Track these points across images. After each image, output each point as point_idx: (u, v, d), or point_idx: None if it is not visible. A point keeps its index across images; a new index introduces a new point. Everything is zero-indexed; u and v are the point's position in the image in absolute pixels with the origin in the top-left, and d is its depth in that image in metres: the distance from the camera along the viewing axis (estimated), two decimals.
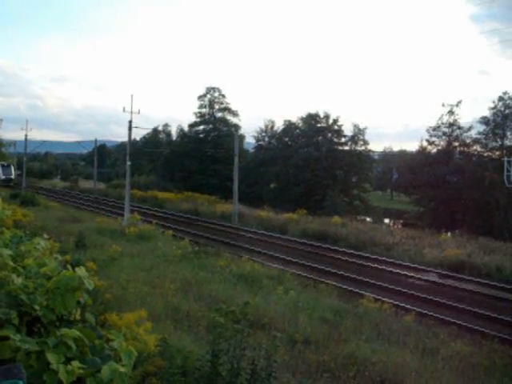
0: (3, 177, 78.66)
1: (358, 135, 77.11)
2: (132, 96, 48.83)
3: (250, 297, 16.31)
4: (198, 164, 76.39)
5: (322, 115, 77.56)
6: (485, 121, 63.22)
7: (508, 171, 15.13)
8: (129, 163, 41.71)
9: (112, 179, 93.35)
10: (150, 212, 49.26)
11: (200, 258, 26.59)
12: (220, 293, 17.60)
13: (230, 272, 23.00)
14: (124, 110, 40.73)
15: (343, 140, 78.23)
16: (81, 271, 3.87)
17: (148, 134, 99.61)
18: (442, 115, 64.97)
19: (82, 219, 40.49)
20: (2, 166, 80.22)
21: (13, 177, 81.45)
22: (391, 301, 20.08)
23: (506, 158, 15.74)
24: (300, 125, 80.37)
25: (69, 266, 4.38)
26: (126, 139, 44.18)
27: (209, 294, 17.45)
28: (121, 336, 2.95)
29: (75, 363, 3.09)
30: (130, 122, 40.97)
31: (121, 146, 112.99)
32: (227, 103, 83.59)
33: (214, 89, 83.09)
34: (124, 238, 31.14)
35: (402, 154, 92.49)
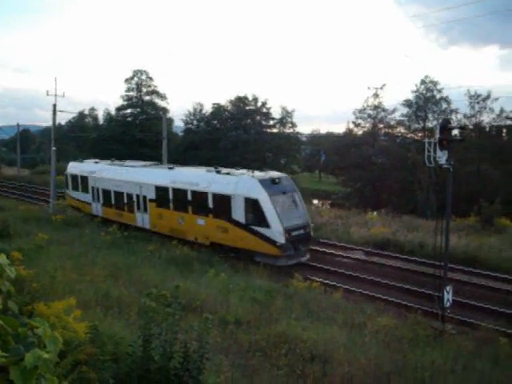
0: None
1: (286, 118, 78.00)
2: (56, 79, 46.84)
3: (181, 280, 16.34)
4: (126, 148, 74.96)
5: (250, 98, 77.91)
6: (408, 103, 65.34)
7: (428, 152, 15.67)
8: (54, 148, 40.48)
9: (37, 165, 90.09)
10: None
11: (130, 244, 26.32)
12: (151, 277, 17.52)
13: (160, 256, 22.95)
14: (48, 94, 39.34)
15: (272, 123, 78.94)
16: (1, 258, 3.76)
17: (74, 117, 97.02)
18: (368, 98, 66.61)
19: (6, 207, 39.07)
20: None
21: None
22: (320, 279, 20.62)
23: (426, 140, 16.28)
24: (229, 108, 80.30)
25: None
26: (50, 124, 42.73)
27: (139, 279, 17.34)
28: (45, 323, 2.91)
29: None
30: (55, 105, 39.65)
31: (45, 131, 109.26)
32: (155, 86, 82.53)
33: (141, 71, 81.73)
34: (51, 225, 30.35)
35: (330, 136, 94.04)
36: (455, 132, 17.70)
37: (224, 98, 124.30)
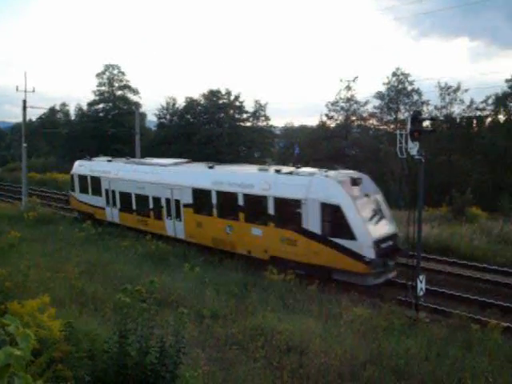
0: None
1: (259, 111, 77.85)
2: (26, 74, 46.02)
3: (157, 275, 16.29)
4: (98, 144, 73.98)
5: (223, 92, 77.57)
6: (380, 96, 65.80)
7: (400, 143, 15.86)
8: (24, 145, 39.93)
9: (8, 162, 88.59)
10: (50, 195, 47.48)
11: (104, 240, 26.16)
12: (126, 273, 17.47)
13: (135, 252, 22.87)
14: (17, 89, 38.71)
15: (245, 116, 78.74)
16: None
17: (45, 113, 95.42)
18: (340, 90, 66.91)
19: None
20: None
21: None
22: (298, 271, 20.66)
23: (398, 131, 16.47)
24: (202, 102, 79.87)
25: None
26: (21, 120, 42.01)
27: (114, 275, 17.28)
28: (17, 320, 2.89)
29: None
30: (25, 101, 39.08)
31: (16, 128, 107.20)
32: (127, 81, 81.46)
33: (113, 66, 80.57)
34: (23, 223, 29.96)
35: (303, 129, 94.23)
36: (426, 123, 17.97)
37: (197, 91, 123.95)
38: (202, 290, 16.26)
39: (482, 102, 57.78)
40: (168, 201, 26.34)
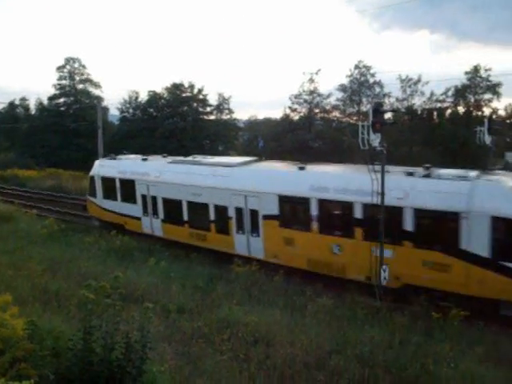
0: None
1: (223, 104, 77.69)
2: None
3: (122, 270, 16.17)
4: (60, 139, 72.92)
5: (186, 85, 77.10)
6: (342, 88, 66.34)
7: (362, 135, 16.07)
8: None
9: None
10: (11, 192, 46.48)
11: (67, 236, 25.83)
12: (90, 269, 17.30)
13: (99, 248, 22.65)
14: None
15: (209, 109, 78.46)
16: None
17: (4, 108, 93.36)
18: (303, 83, 67.19)
19: None
20: None
21: None
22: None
23: (360, 123, 16.68)
24: (165, 95, 79.26)
25: None
26: None
27: (78, 271, 17.10)
28: None
29: None
30: None
31: None
32: (88, 74, 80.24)
33: (73, 59, 79.27)
34: None
35: (267, 121, 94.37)
36: (388, 115, 18.21)
37: (160, 85, 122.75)
38: (168, 284, 16.23)
39: (442, 94, 59.02)
40: (239, 211, 21.41)
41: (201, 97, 77.12)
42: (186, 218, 23.73)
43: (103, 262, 19.21)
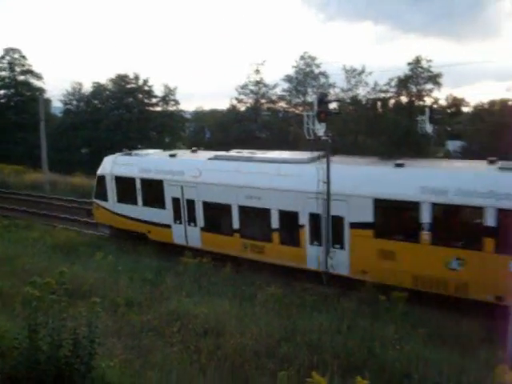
0: None
1: (168, 95, 76.98)
2: None
3: (67, 266, 15.86)
4: (0, 132, 70.88)
5: (131, 76, 76.03)
6: (288, 79, 66.80)
7: (307, 124, 16.29)
8: None
9: None
10: None
11: (10, 232, 25.15)
12: (35, 266, 16.89)
13: (44, 244, 22.15)
14: None
15: (154, 101, 77.66)
16: None
17: None
18: (250, 74, 67.31)
19: None
20: None
21: None
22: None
23: (305, 113, 16.91)
24: (109, 86, 77.93)
25: None
26: None
27: (22, 268, 16.66)
28: None
29: None
30: None
31: None
32: (29, 65, 77.94)
33: (13, 50, 76.89)
34: None
35: (214, 112, 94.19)
36: (333, 105, 18.49)
37: (104, 76, 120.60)
38: (116, 278, 16.05)
39: (385, 85, 60.19)
40: (315, 217, 17.87)
41: (146, 88, 76.26)
42: (236, 226, 20.08)
43: (48, 258, 18.78)
